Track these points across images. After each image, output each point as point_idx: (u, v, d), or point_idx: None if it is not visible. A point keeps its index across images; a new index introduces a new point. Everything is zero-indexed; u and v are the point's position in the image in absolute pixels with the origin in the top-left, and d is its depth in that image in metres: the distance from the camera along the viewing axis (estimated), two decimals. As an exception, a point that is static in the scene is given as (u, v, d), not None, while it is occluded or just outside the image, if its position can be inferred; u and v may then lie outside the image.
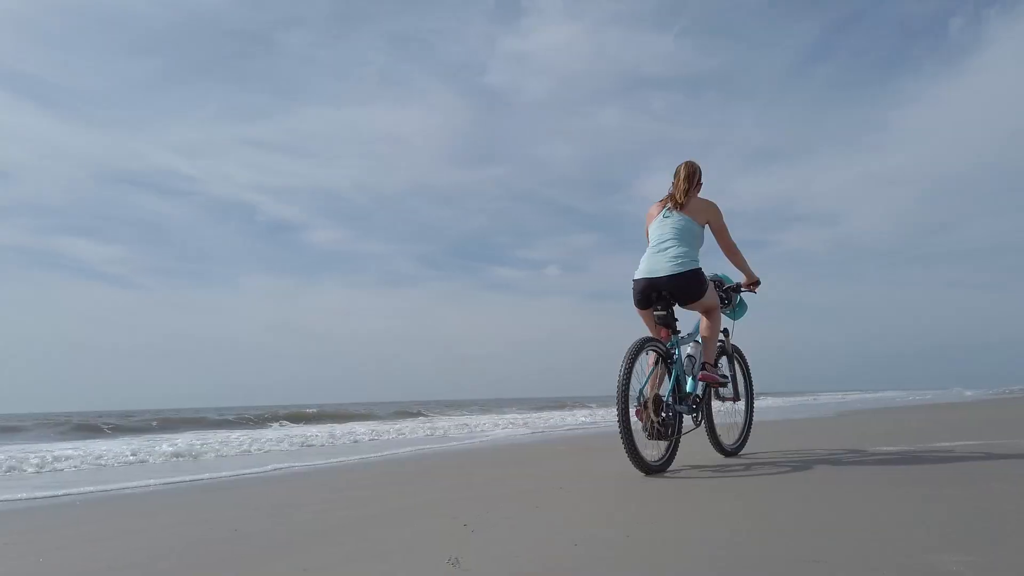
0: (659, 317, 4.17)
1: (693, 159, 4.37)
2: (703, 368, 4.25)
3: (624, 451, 3.77)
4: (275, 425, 16.38)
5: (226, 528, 3.03)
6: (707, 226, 4.29)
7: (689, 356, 4.34)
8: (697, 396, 4.26)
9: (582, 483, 3.91)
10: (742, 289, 4.68)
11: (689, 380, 4.26)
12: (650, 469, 3.87)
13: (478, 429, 11.88)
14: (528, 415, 18.98)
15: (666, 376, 4.13)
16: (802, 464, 4.21)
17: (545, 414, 19.16)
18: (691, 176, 4.30)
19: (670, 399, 4.05)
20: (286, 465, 6.27)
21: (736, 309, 4.74)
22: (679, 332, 4.28)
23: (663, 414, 3.93)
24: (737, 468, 4.15)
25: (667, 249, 4.10)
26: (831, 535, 2.24)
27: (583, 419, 15.06)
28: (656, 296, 4.12)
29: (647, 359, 4.09)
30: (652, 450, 3.97)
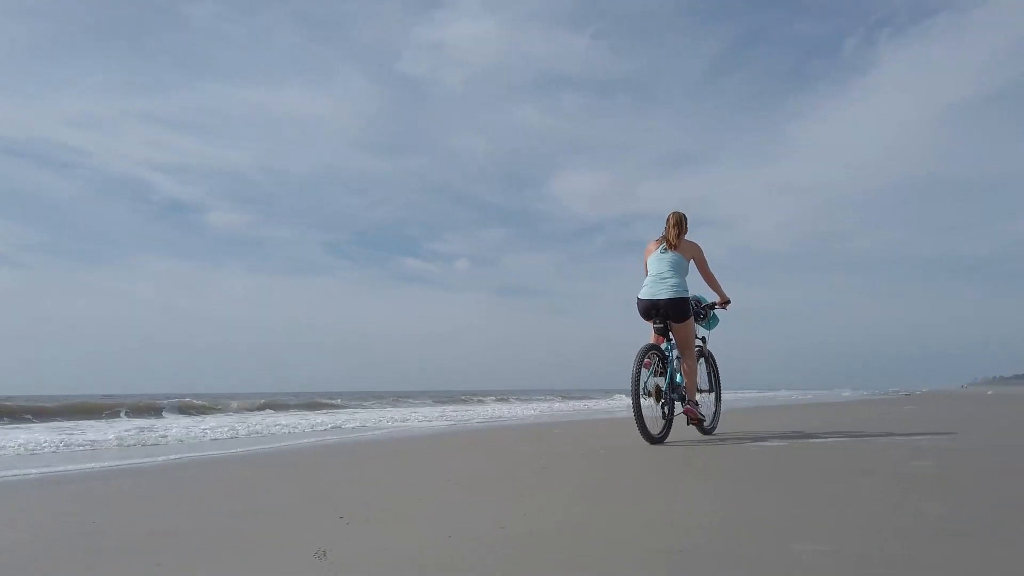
0: (657, 328, 5.50)
1: (680, 209, 5.67)
2: (687, 404, 5.48)
3: (636, 428, 5.13)
4: (170, 414, 15.62)
5: (87, 522, 2.84)
6: (692, 261, 5.61)
7: (679, 357, 5.56)
8: (679, 387, 5.53)
9: (471, 476, 3.89)
10: (716, 306, 5.94)
11: (679, 376, 5.52)
12: (654, 440, 5.17)
13: (381, 421, 11.71)
14: (435, 408, 18.89)
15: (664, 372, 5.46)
16: (685, 457, 4.34)
17: (452, 407, 19.12)
18: (679, 223, 5.63)
19: (667, 390, 5.43)
20: (176, 456, 5.97)
21: (710, 321, 6.01)
22: (671, 340, 5.56)
23: (662, 400, 5.36)
24: (634, 459, 4.24)
25: (666, 279, 5.42)
26: (703, 526, 2.30)
27: (490, 413, 15.10)
28: (655, 313, 5.45)
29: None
30: (654, 427, 5.21)
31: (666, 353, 5.50)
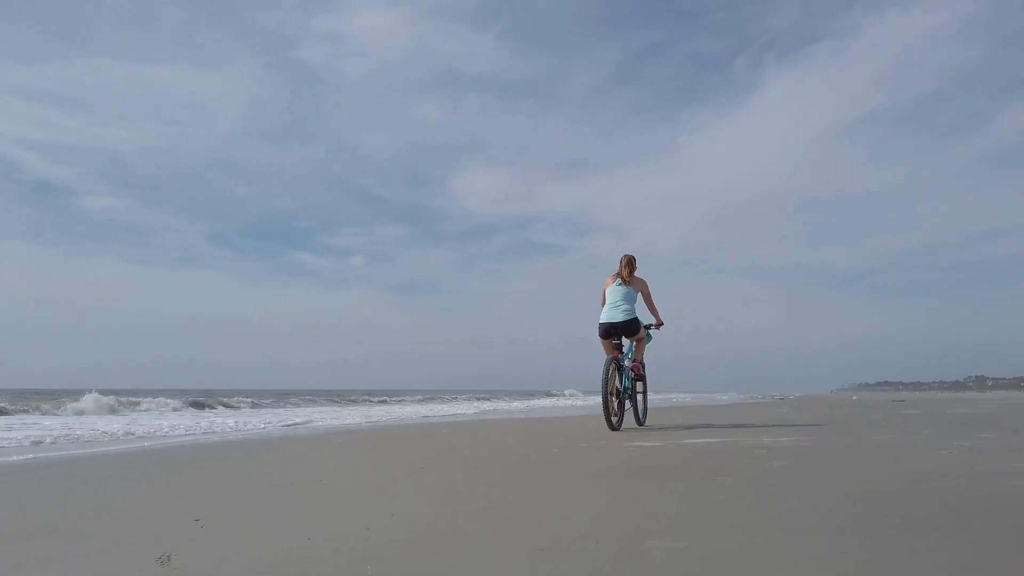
0: (615, 344, 7.17)
1: (631, 252, 7.21)
2: (634, 361, 7.31)
3: (602, 417, 6.91)
4: (32, 412, 14.47)
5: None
6: (640, 293, 7.26)
7: (624, 367, 7.15)
8: (627, 388, 7.22)
9: (346, 477, 3.81)
10: (651, 327, 7.53)
11: (626, 380, 7.15)
12: (614, 428, 6.76)
13: (264, 421, 11.30)
14: (324, 408, 18.44)
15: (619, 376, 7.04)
16: (560, 456, 4.41)
17: (345, 408, 18.71)
18: (630, 264, 7.21)
19: (623, 391, 7.04)
20: (31, 456, 5.53)
21: (646, 338, 7.56)
22: (623, 352, 7.22)
23: (620, 397, 6.96)
24: (513, 459, 4.26)
25: (619, 306, 7.09)
26: (567, 524, 2.33)
27: (385, 413, 14.86)
28: (613, 332, 7.11)
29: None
30: (614, 418, 6.80)
31: (621, 364, 7.07)
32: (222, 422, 10.62)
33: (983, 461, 3.93)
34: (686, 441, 5.62)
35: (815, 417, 9.97)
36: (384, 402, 23.89)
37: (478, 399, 30.08)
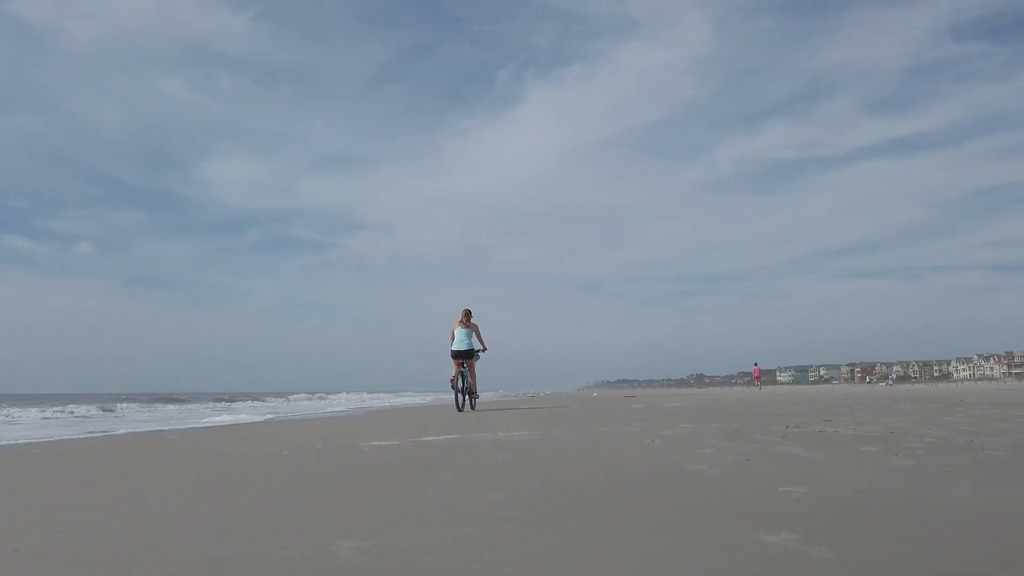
0: (460, 363, 11.66)
1: (468, 307, 12.03)
2: (474, 396, 12.09)
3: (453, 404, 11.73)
4: None
5: None
6: (474, 332, 11.86)
7: (466, 376, 11.79)
8: (469, 389, 11.86)
9: (39, 490, 3.32)
10: (480, 351, 11.92)
11: (466, 382, 11.79)
12: (460, 410, 11.39)
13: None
14: (23, 412, 16.04)
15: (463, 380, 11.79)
16: (271, 463, 4.24)
17: (56, 415, 16.43)
18: (468, 314, 11.82)
19: (465, 389, 11.85)
20: None
21: (476, 358, 11.94)
22: (465, 367, 11.68)
23: (463, 393, 11.79)
24: (209, 466, 3.99)
25: (464, 341, 11.71)
26: (253, 532, 2.20)
27: (99, 423, 13.26)
28: (460, 356, 11.69)
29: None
30: (462, 404, 11.63)
31: (464, 374, 11.62)
32: None
33: (676, 448, 4.41)
34: (424, 439, 5.68)
35: (552, 412, 10.67)
36: (109, 409, 21.32)
37: (221, 403, 28.08)
